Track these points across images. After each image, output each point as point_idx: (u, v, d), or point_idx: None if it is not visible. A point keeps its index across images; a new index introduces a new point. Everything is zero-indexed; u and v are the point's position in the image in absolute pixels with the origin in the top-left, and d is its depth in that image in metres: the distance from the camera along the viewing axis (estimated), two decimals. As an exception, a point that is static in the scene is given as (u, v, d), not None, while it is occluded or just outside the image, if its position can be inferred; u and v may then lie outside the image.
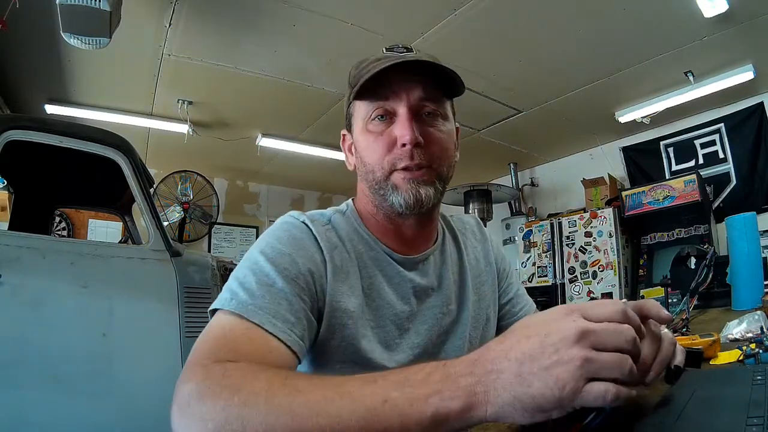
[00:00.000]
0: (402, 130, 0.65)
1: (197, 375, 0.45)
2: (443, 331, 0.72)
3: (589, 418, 0.41)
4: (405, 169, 0.66)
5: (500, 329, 0.81)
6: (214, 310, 0.56)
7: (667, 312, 0.44)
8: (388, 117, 0.67)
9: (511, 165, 4.65)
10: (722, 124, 3.47)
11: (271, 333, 0.53)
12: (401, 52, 0.69)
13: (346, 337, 0.64)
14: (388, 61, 0.65)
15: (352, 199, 0.77)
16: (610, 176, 3.86)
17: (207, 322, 0.56)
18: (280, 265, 0.59)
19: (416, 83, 0.66)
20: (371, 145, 0.68)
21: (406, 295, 0.70)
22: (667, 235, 3.37)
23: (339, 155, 4.08)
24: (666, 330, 0.47)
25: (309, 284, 0.61)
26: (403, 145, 0.65)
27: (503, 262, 0.86)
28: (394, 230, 0.72)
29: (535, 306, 0.87)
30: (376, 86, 0.65)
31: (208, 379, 0.43)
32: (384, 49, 0.71)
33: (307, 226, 0.67)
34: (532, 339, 0.37)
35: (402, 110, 0.66)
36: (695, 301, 1.25)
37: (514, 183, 4.64)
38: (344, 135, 0.77)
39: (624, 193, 3.46)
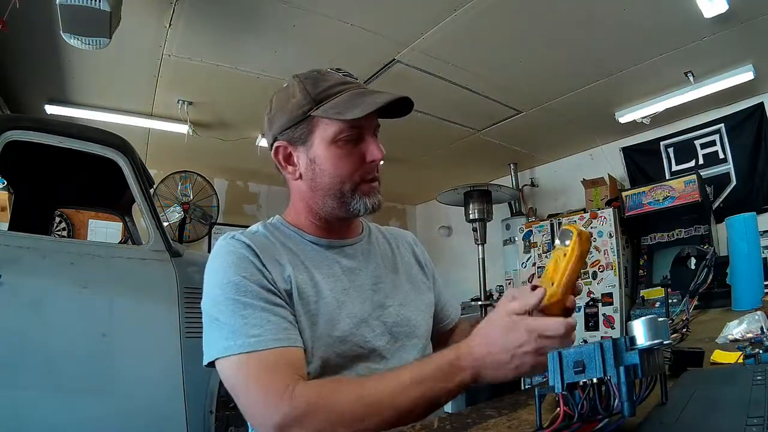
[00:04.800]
0: (375, 150, 0.79)
1: (289, 407, 0.60)
2: (379, 305, 0.83)
3: (601, 425, 0.41)
4: (371, 180, 0.80)
5: (435, 310, 0.97)
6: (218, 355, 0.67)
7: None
8: (357, 138, 0.78)
9: (511, 165, 4.65)
10: (722, 125, 3.47)
11: (283, 347, 0.66)
12: (350, 77, 0.82)
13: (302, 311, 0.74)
14: (359, 88, 0.79)
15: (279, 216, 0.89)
16: (610, 176, 3.86)
17: None
18: (246, 290, 0.69)
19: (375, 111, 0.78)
20: (342, 160, 0.78)
21: (335, 272, 0.81)
22: (667, 235, 3.36)
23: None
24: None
25: (271, 288, 0.71)
26: (372, 161, 0.79)
27: (431, 265, 1.02)
28: (328, 231, 0.85)
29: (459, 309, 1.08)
30: (347, 109, 0.74)
31: (299, 403, 0.61)
32: (330, 70, 0.82)
33: (238, 240, 0.76)
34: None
35: (368, 133, 0.79)
36: (695, 302, 1.25)
37: (514, 183, 4.64)
38: (280, 146, 0.81)
39: (624, 194, 3.46)
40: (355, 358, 0.77)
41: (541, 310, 0.65)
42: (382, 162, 0.83)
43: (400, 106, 0.81)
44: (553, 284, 0.66)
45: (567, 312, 0.66)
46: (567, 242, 0.66)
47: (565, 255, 0.65)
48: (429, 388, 0.62)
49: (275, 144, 0.82)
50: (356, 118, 0.74)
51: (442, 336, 1.01)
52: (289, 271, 0.75)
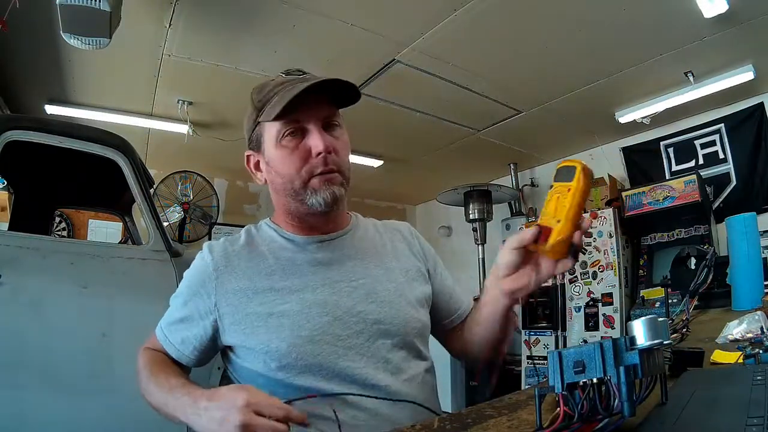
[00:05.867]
0: (316, 141, 0.78)
1: (140, 355, 0.88)
2: (359, 301, 0.82)
3: (601, 425, 0.41)
4: (321, 174, 0.79)
5: (439, 304, 0.95)
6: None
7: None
8: (300, 132, 0.79)
9: (511, 165, 4.65)
10: (722, 125, 3.46)
11: (167, 352, 0.86)
12: (299, 75, 0.82)
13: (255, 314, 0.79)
14: (294, 84, 0.77)
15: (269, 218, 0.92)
16: (610, 176, 3.86)
17: None
18: (179, 306, 0.85)
19: (319, 100, 0.79)
20: (287, 158, 0.79)
21: (307, 270, 0.82)
22: (668, 235, 3.36)
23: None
24: None
25: (199, 310, 0.82)
26: (318, 154, 0.78)
27: (431, 255, 0.98)
28: (307, 228, 0.86)
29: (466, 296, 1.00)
30: (285, 108, 0.75)
31: (140, 360, 0.87)
32: (281, 74, 0.84)
33: (204, 254, 0.84)
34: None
35: (312, 125, 0.79)
36: (695, 302, 1.25)
37: (514, 183, 4.64)
38: (249, 155, 0.88)
39: (624, 194, 3.46)
40: (330, 356, 0.76)
41: (548, 251, 0.62)
42: (346, 152, 0.83)
43: (345, 88, 0.80)
44: (559, 221, 0.62)
45: (575, 251, 0.63)
46: (570, 178, 0.63)
47: (569, 190, 0.62)
48: (171, 407, 0.72)
49: (245, 153, 0.88)
50: (276, 117, 0.76)
51: (454, 331, 0.95)
52: (241, 283, 0.80)
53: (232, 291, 0.80)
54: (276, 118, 0.77)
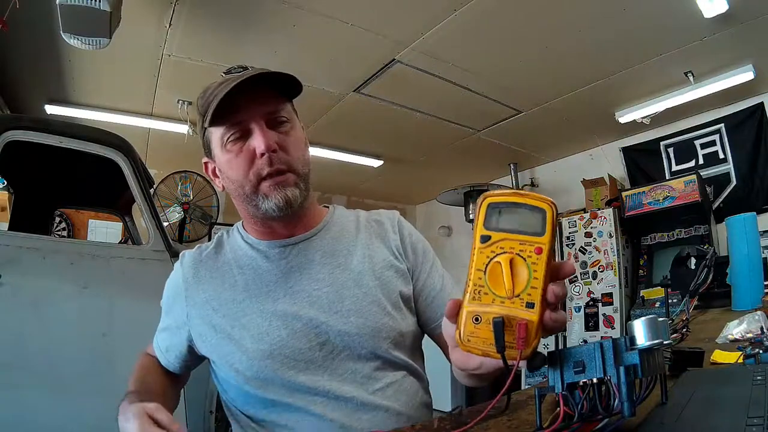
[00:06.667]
0: (256, 141, 0.73)
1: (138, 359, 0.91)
2: (323, 311, 0.76)
3: (601, 425, 0.41)
4: (269, 176, 0.73)
5: (420, 307, 0.85)
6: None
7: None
8: (244, 134, 0.74)
9: (511, 165, 4.65)
10: (722, 125, 3.46)
11: (158, 357, 0.88)
12: (239, 72, 0.75)
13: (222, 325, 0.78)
14: (230, 83, 0.71)
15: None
16: (610, 176, 3.86)
17: None
18: (162, 322, 0.88)
19: (260, 97, 0.74)
20: (233, 162, 0.75)
21: (268, 280, 0.79)
22: (668, 235, 3.36)
23: (339, 155, 4.10)
24: None
25: (175, 319, 0.84)
26: (262, 154, 0.72)
27: (416, 251, 0.87)
28: (270, 232, 0.81)
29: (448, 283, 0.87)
30: (225, 109, 0.71)
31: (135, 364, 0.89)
32: (222, 74, 0.78)
33: (178, 266, 0.86)
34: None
35: (254, 125, 0.73)
36: (695, 302, 1.25)
37: (514, 183, 4.64)
38: (206, 163, 0.85)
39: (624, 194, 3.46)
40: (290, 371, 0.73)
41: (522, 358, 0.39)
42: (297, 148, 0.77)
43: (284, 83, 0.75)
44: (532, 306, 0.39)
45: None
46: (538, 228, 0.38)
47: (539, 250, 0.38)
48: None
49: (203, 161, 0.85)
50: (213, 122, 0.72)
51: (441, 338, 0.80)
52: (207, 294, 0.80)
53: (200, 302, 0.79)
54: (213, 123, 0.73)
